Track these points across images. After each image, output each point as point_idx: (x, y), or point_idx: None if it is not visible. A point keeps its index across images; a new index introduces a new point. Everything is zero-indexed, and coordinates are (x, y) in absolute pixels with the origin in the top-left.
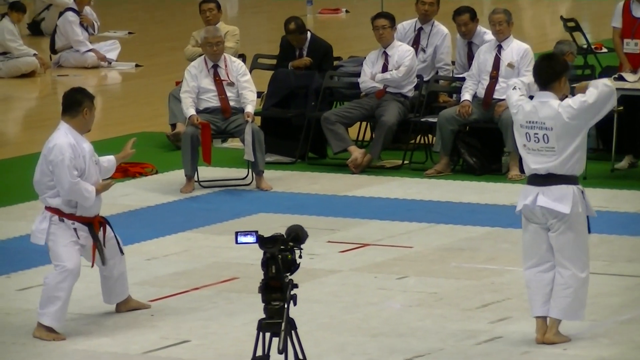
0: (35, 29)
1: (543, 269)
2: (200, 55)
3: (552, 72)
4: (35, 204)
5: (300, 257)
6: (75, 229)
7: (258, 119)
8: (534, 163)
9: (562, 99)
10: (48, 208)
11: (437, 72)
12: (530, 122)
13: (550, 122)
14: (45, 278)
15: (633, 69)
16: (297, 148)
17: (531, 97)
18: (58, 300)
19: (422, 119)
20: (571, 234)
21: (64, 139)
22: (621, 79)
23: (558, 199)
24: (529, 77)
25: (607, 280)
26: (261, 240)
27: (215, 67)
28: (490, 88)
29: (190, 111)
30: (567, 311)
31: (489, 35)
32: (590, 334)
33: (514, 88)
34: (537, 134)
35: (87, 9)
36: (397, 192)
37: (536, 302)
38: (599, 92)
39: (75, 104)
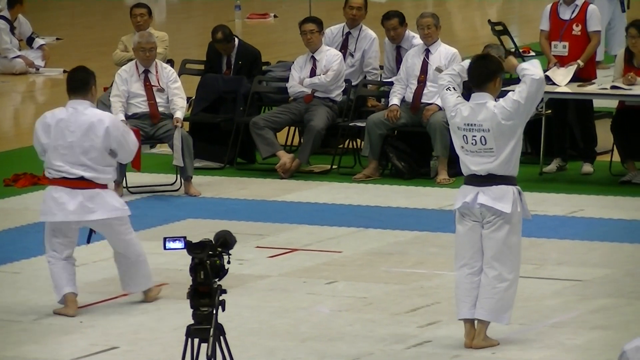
0: None
1: (473, 271)
2: (129, 60)
3: (487, 72)
4: None
5: (228, 262)
6: None
7: (187, 124)
8: (473, 164)
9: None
10: (99, 185)
11: (365, 77)
12: (468, 124)
13: (487, 124)
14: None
15: (558, 63)
16: (226, 153)
17: (467, 98)
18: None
19: (351, 124)
20: (505, 233)
21: (101, 112)
22: (547, 79)
23: (498, 198)
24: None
25: (536, 283)
26: (189, 246)
27: (146, 72)
28: (418, 92)
29: (120, 116)
30: (492, 312)
31: (417, 40)
32: (520, 338)
33: (448, 89)
34: (475, 136)
35: (21, 18)
36: (325, 197)
37: (464, 304)
38: (528, 88)
39: (84, 83)
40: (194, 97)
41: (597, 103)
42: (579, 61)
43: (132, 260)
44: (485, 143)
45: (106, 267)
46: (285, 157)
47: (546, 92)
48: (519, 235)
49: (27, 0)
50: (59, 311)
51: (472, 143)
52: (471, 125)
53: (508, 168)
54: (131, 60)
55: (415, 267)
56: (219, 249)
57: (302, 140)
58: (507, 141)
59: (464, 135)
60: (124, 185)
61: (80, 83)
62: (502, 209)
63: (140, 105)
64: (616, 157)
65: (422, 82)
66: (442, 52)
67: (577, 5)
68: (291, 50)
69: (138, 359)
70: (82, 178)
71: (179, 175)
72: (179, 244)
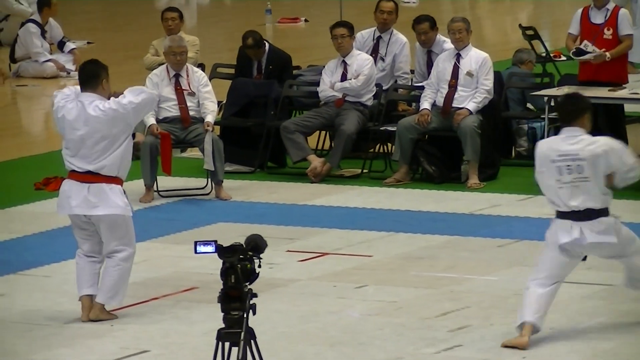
0: None
1: (547, 283)
2: (159, 65)
3: (576, 110)
4: None
5: (259, 266)
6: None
7: (217, 129)
8: (571, 199)
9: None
10: (107, 178)
11: (396, 81)
12: (561, 155)
13: (584, 153)
14: (116, 264)
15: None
16: (257, 157)
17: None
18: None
19: (381, 128)
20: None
21: (99, 99)
22: (580, 52)
23: (603, 232)
24: (487, 85)
25: (565, 288)
26: (220, 250)
27: (177, 76)
28: (449, 97)
29: (150, 120)
30: None
31: (448, 44)
32: (549, 343)
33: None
34: (569, 165)
35: (52, 21)
36: (356, 201)
37: (528, 310)
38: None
39: (94, 76)
40: (224, 101)
41: (629, 108)
42: (607, 53)
43: (112, 263)
44: (582, 172)
45: (136, 271)
46: (316, 162)
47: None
48: None
49: (58, 4)
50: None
51: (567, 172)
52: (565, 155)
53: (605, 199)
54: (162, 64)
55: (445, 271)
56: (250, 253)
57: (332, 144)
58: (601, 173)
59: (558, 167)
60: (155, 189)
61: (89, 76)
62: (610, 241)
63: (171, 109)
64: None
65: (452, 86)
66: (473, 56)
67: (608, 9)
68: (322, 55)
69: None
70: (89, 172)
71: (209, 179)
72: (209, 248)
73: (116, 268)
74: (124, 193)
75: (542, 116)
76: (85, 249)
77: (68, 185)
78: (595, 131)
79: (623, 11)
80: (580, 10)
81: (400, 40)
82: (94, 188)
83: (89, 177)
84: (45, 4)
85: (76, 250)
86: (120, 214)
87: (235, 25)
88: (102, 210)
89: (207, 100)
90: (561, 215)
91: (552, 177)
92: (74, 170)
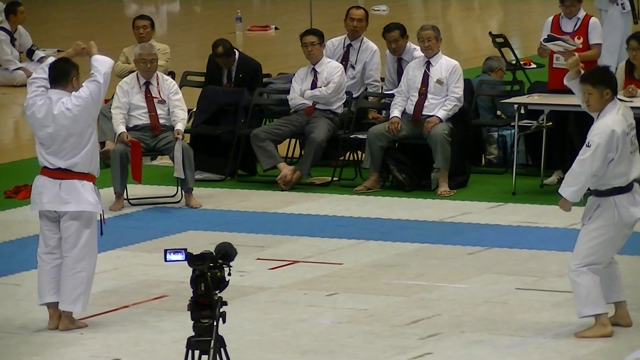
0: None
1: (600, 268)
2: (130, 72)
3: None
4: None
5: (229, 274)
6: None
7: (187, 137)
8: (635, 170)
9: None
10: (78, 175)
11: (366, 89)
12: (629, 125)
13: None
14: (78, 269)
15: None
16: (227, 165)
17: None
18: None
19: (352, 136)
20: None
21: (67, 96)
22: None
23: None
24: (457, 93)
25: (537, 295)
26: (190, 258)
27: (148, 84)
28: (419, 104)
29: (121, 128)
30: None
31: (418, 52)
32: (521, 350)
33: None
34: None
35: (21, 29)
36: (326, 209)
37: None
38: None
39: (65, 74)
40: (194, 109)
41: None
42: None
43: (69, 266)
44: (635, 141)
45: (106, 279)
46: (286, 169)
47: (547, 105)
48: None
49: (27, 12)
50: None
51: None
52: (630, 125)
53: None
54: (132, 72)
55: (416, 279)
56: (220, 261)
57: (303, 152)
58: None
59: (631, 138)
60: (125, 197)
61: (60, 73)
62: None
63: (142, 117)
64: None
65: (423, 94)
66: (443, 64)
67: (579, 18)
68: (292, 63)
69: None
70: (60, 168)
71: (179, 187)
72: (179, 256)
73: (79, 274)
74: (96, 190)
75: (512, 124)
76: (52, 244)
77: (40, 181)
78: (566, 139)
79: (594, 20)
80: (550, 19)
81: (371, 48)
82: (66, 184)
83: (61, 173)
84: (11, 11)
85: (39, 249)
86: (90, 211)
87: (206, 33)
88: (73, 206)
89: (177, 108)
90: (622, 190)
91: (627, 150)
92: (46, 167)
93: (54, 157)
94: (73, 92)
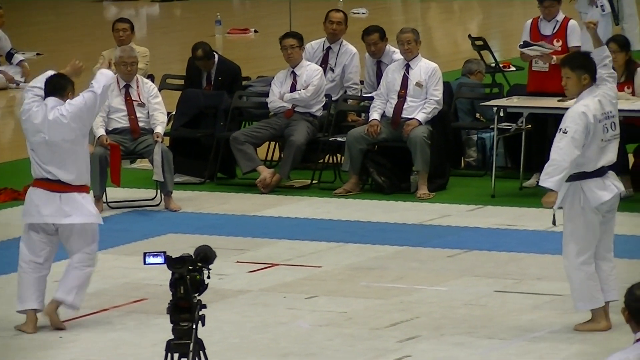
0: None
1: (591, 261)
2: None
3: None
4: None
5: (208, 277)
6: None
7: (167, 140)
8: (602, 159)
9: None
10: (76, 187)
11: (345, 92)
12: (604, 113)
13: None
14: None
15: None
16: (206, 168)
17: None
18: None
19: (331, 139)
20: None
21: (61, 104)
22: (528, 44)
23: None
24: (437, 96)
25: (516, 298)
26: (169, 261)
27: (127, 87)
28: (399, 107)
29: (100, 131)
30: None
31: (397, 55)
32: (499, 353)
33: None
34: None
35: (0, 32)
36: (306, 212)
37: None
38: None
39: (60, 88)
40: (174, 112)
41: None
42: (554, 56)
43: (73, 265)
44: (615, 129)
45: None
46: (265, 172)
47: (526, 107)
48: None
49: (7, 15)
50: (19, 327)
51: (611, 129)
52: (606, 113)
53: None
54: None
55: (395, 281)
56: (199, 264)
57: (282, 155)
58: None
59: (604, 126)
60: (104, 200)
61: (56, 87)
62: (620, 189)
63: (121, 120)
64: None
65: (402, 97)
66: (423, 67)
67: (557, 21)
68: (272, 66)
69: None
70: (59, 181)
71: (159, 190)
72: (159, 259)
73: (83, 269)
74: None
75: (492, 126)
76: (44, 255)
77: (36, 194)
78: (545, 142)
79: (573, 22)
80: (529, 22)
81: (350, 50)
82: (66, 197)
83: (61, 186)
84: None
85: (21, 259)
86: (94, 222)
87: (185, 36)
88: (76, 218)
89: (157, 111)
90: (589, 175)
91: (598, 137)
92: (44, 179)
93: (52, 166)
94: (68, 100)
